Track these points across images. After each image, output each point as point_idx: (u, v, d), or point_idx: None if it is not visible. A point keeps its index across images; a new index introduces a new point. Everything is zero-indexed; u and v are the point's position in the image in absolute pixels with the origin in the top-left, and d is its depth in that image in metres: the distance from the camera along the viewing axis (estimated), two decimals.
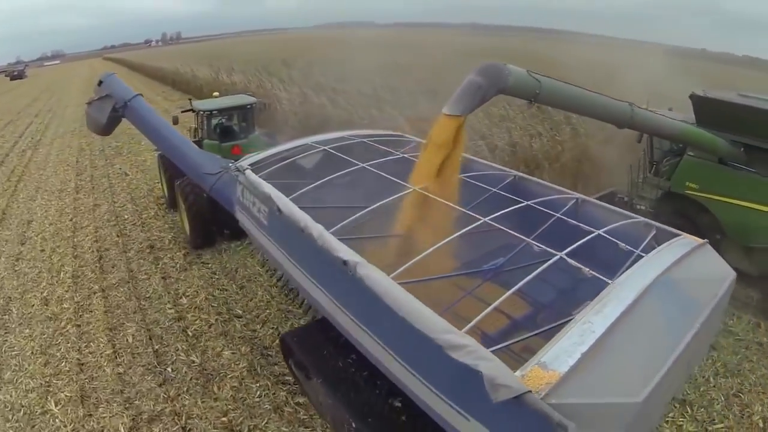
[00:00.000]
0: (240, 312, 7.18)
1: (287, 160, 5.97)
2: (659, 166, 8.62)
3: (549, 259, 3.59)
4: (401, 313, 3.16)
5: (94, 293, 7.84)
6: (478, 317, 3.14)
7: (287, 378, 5.81)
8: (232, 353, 6.29)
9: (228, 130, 10.16)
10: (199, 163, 6.96)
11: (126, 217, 10.97)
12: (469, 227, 4.07)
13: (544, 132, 13.00)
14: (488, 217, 4.16)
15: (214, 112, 9.96)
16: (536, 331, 3.42)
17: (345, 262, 3.72)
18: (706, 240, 4.22)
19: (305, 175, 5.75)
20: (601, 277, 3.41)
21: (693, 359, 3.81)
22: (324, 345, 4.97)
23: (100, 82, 7.60)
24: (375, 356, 3.71)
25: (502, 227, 4.09)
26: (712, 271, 3.99)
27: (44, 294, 7.92)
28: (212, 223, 8.72)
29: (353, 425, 4.21)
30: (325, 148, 6.09)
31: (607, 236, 4.03)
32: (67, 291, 7.97)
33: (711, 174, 7.53)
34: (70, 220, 11.06)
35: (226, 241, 9.15)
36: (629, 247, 4.00)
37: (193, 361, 6.17)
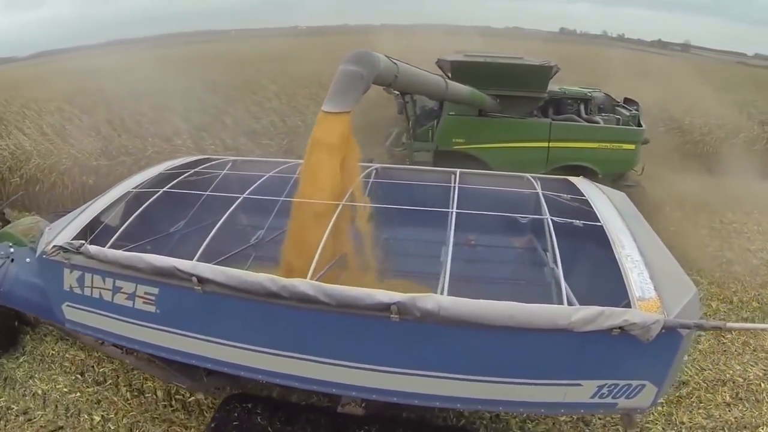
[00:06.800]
0: None
1: (128, 219, 4.46)
2: (416, 131, 9.35)
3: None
4: (513, 322, 2.95)
5: None
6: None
7: None
8: None
9: None
10: None
11: None
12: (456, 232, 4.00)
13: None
14: (454, 209, 4.24)
15: None
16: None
17: (392, 307, 3.00)
18: (582, 176, 5.31)
19: (169, 227, 4.85)
20: (591, 222, 4.05)
21: None
22: None
23: None
24: (436, 395, 3.32)
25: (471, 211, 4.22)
26: (613, 193, 4.98)
27: None
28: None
29: None
30: (166, 189, 4.84)
31: (541, 191, 4.70)
32: None
33: (474, 126, 8.83)
34: None
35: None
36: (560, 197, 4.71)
37: None
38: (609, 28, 34.68)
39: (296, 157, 6.30)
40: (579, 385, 3.14)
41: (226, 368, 3.72)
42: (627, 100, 9.79)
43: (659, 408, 5.02)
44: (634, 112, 9.17)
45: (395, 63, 4.99)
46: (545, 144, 8.75)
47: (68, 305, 4.13)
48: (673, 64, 20.89)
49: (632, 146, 8.60)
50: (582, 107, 9.21)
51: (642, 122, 8.90)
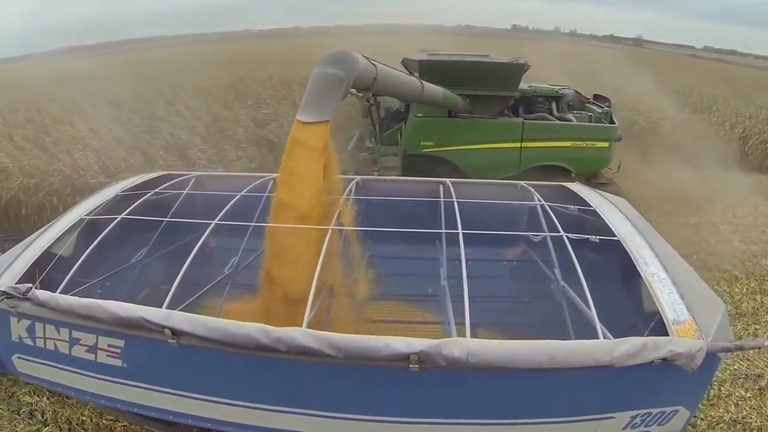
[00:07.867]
0: None
1: (84, 251, 3.85)
2: (382, 134, 8.91)
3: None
4: (553, 363, 2.61)
5: None
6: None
7: None
8: None
9: None
10: None
11: None
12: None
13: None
14: (459, 229, 3.84)
15: None
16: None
17: (411, 357, 2.58)
18: (577, 181, 5.22)
19: (130, 257, 4.44)
20: (607, 237, 3.81)
21: None
22: None
23: None
24: None
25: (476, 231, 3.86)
26: (617, 200, 4.76)
27: None
28: None
29: None
30: (124, 215, 4.22)
31: (545, 203, 4.39)
32: None
33: (443, 128, 8.37)
34: None
35: None
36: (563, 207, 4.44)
37: None
38: (561, 24, 35.82)
39: None
40: (612, 417, 2.92)
41: (210, 424, 3.24)
42: (597, 97, 9.72)
43: (749, 402, 5.08)
44: (605, 108, 9.14)
45: (374, 64, 4.56)
46: (518, 144, 8.55)
47: (19, 357, 3.51)
48: (630, 59, 21.39)
49: (606, 144, 8.53)
50: (553, 105, 9.12)
51: (615, 119, 8.89)
